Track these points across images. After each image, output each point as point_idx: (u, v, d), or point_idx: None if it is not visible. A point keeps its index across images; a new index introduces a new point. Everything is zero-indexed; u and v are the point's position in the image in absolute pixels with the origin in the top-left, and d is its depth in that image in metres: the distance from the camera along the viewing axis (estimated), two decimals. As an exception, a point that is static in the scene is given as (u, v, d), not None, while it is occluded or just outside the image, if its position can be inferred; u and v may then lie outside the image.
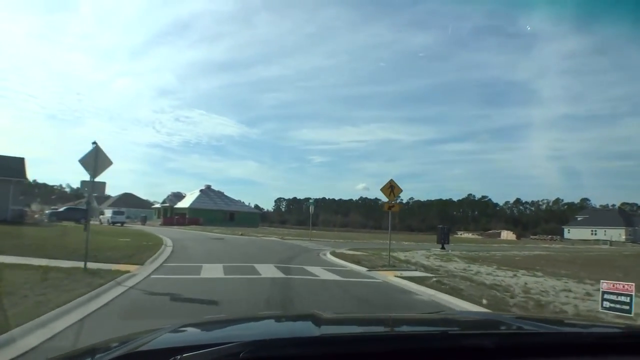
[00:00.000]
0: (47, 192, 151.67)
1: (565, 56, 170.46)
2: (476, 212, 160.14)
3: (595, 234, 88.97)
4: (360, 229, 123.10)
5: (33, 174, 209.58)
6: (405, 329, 2.58)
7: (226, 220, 75.68)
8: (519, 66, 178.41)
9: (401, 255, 24.58)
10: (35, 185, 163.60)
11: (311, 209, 39.57)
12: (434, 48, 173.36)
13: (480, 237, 77.75)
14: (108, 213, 57.19)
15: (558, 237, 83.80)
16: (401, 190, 18.29)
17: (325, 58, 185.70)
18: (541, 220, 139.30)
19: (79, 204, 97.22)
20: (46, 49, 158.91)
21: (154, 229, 50.78)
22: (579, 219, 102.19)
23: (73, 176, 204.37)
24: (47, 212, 47.66)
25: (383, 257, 22.57)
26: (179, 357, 1.42)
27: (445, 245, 32.89)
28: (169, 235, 33.73)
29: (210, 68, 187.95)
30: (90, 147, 12.71)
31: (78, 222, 45.78)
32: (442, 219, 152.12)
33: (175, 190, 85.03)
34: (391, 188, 18.16)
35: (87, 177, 12.76)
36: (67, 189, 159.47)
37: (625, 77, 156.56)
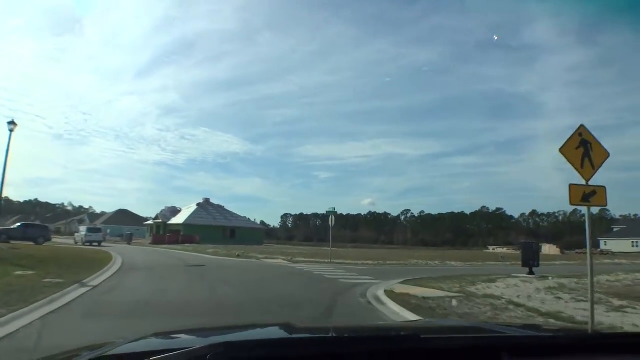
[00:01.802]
0: (47, 211, 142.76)
1: (569, 68, 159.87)
2: (490, 225, 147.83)
3: (637, 246, 77.36)
4: (372, 244, 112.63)
5: (37, 193, 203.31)
6: (377, 333, 2.48)
7: (227, 238, 64.05)
8: (524, 79, 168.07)
9: (496, 290, 13.56)
10: (37, 204, 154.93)
11: (331, 220, 27.45)
12: (438, 62, 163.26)
13: (517, 251, 65.01)
14: (83, 231, 45.77)
15: (609, 250, 71.27)
16: (607, 155, 6.86)
17: (329, 74, 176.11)
18: (562, 232, 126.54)
19: (77, 222, 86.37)
20: (53, 71, 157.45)
21: (133, 249, 39.83)
22: (615, 230, 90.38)
23: (77, 195, 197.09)
24: (-6, 229, 36.30)
25: (497, 305, 11.14)
26: None
27: (534, 269, 21.22)
28: (130, 260, 22.75)
29: (214, 86, 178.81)
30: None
31: (36, 242, 34.64)
32: (456, 233, 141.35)
33: (169, 205, 73.39)
34: (585, 146, 6.76)
35: None
36: (70, 207, 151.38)
37: (630, 88, 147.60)
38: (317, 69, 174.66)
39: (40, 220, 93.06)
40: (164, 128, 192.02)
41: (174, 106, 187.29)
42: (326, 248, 55.72)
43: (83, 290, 11.37)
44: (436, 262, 32.13)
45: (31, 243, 33.20)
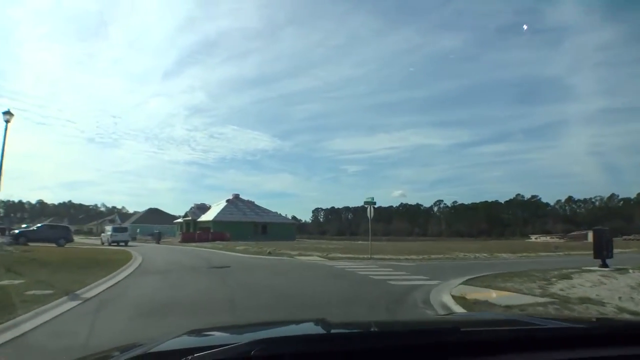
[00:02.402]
0: (81, 212, 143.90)
1: (597, 48, 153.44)
2: (526, 214, 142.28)
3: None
4: (406, 236, 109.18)
5: (72, 196, 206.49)
6: (417, 327, 2.37)
7: (258, 234, 61.65)
8: (551, 62, 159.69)
9: (585, 290, 10.38)
10: (71, 205, 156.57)
11: (370, 211, 24.46)
12: (463, 49, 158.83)
13: (561, 240, 61.02)
14: (108, 230, 43.92)
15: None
16: None
17: (354, 68, 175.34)
18: (599, 218, 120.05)
19: (109, 222, 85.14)
20: (81, 75, 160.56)
21: (159, 248, 37.87)
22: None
23: (111, 196, 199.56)
24: (15, 231, 34.60)
25: (610, 315, 8.19)
26: (190, 357, 1.33)
27: (607, 260, 17.79)
28: (149, 262, 20.68)
29: (240, 84, 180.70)
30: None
31: (57, 243, 32.75)
32: (491, 223, 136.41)
33: (199, 202, 71.41)
34: None
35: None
36: (102, 208, 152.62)
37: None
38: (342, 63, 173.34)
39: (72, 221, 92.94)
40: (193, 128, 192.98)
41: (201, 106, 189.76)
42: (361, 242, 52.87)
43: (69, 305, 8.82)
44: (485, 255, 28.84)
45: (52, 245, 31.43)
